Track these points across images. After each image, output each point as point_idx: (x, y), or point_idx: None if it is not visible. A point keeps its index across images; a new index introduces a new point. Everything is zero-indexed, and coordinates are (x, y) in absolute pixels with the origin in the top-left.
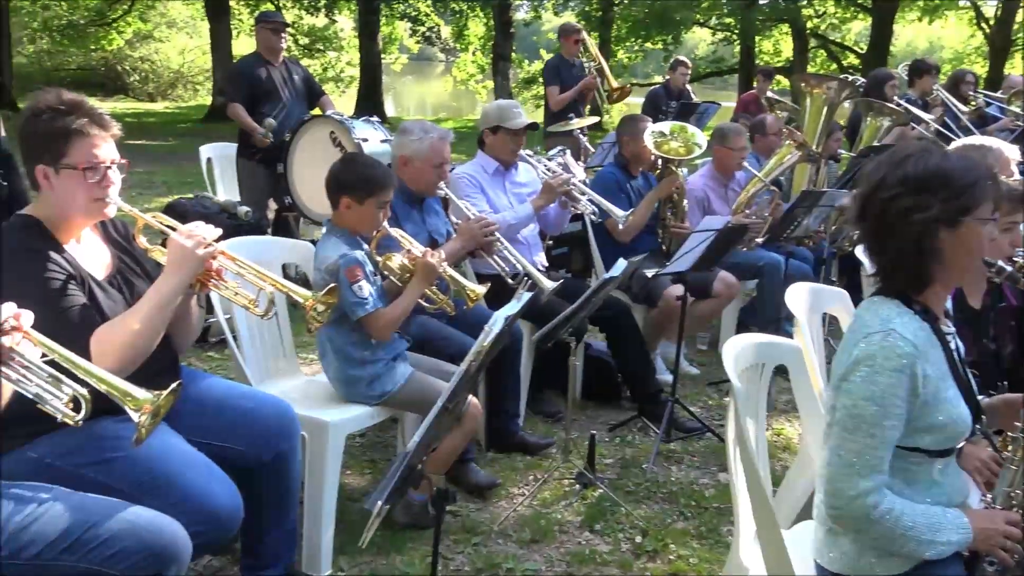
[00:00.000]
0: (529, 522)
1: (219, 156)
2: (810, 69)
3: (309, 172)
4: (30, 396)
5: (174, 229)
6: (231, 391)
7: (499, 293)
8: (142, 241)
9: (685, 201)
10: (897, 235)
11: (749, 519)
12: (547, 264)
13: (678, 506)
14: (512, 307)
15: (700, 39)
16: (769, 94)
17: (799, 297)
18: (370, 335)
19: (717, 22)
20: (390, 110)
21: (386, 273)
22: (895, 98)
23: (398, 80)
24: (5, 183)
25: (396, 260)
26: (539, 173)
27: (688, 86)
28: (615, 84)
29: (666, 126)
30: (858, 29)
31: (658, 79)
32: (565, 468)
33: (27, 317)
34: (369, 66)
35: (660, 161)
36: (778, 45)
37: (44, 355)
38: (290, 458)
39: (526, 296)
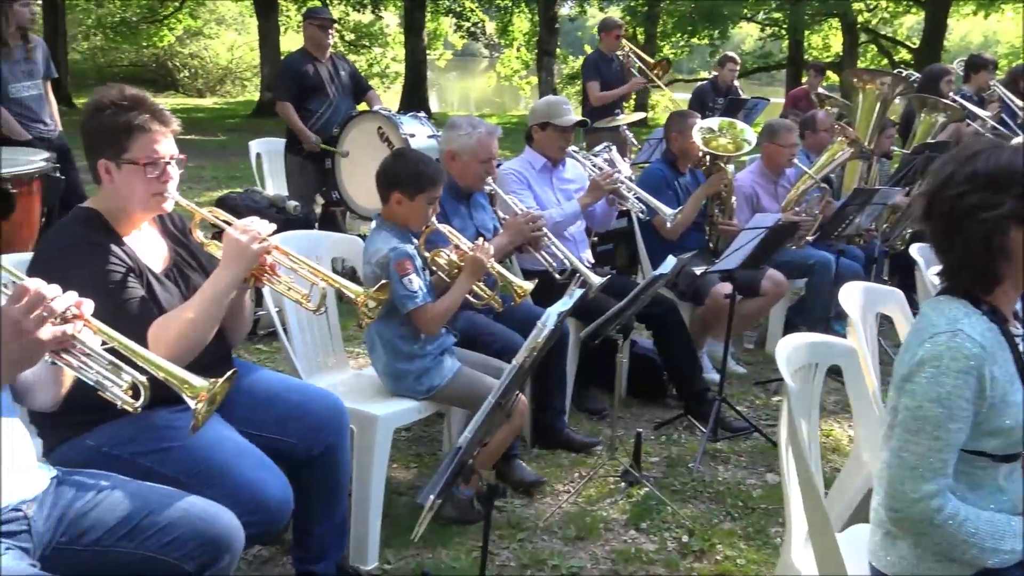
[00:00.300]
0: (574, 519)
1: (268, 151)
2: (860, 64)
3: (356, 167)
4: (91, 383)
5: (230, 224)
6: (282, 384)
7: (546, 289)
8: (198, 235)
9: (733, 198)
10: (965, 233)
11: (801, 520)
12: (593, 261)
13: (725, 506)
14: (564, 304)
15: (747, 34)
16: (819, 90)
17: (853, 296)
18: (419, 329)
19: (765, 17)
20: (434, 106)
21: (434, 268)
22: (950, 94)
23: (442, 76)
24: (63, 177)
25: (444, 256)
26: (587, 170)
27: (736, 82)
28: (652, 60)
29: (715, 122)
30: (910, 23)
31: (704, 75)
32: (610, 466)
33: (88, 305)
34: (414, 62)
35: (708, 158)
36: (827, 40)
37: (104, 343)
38: (340, 451)
39: (578, 293)
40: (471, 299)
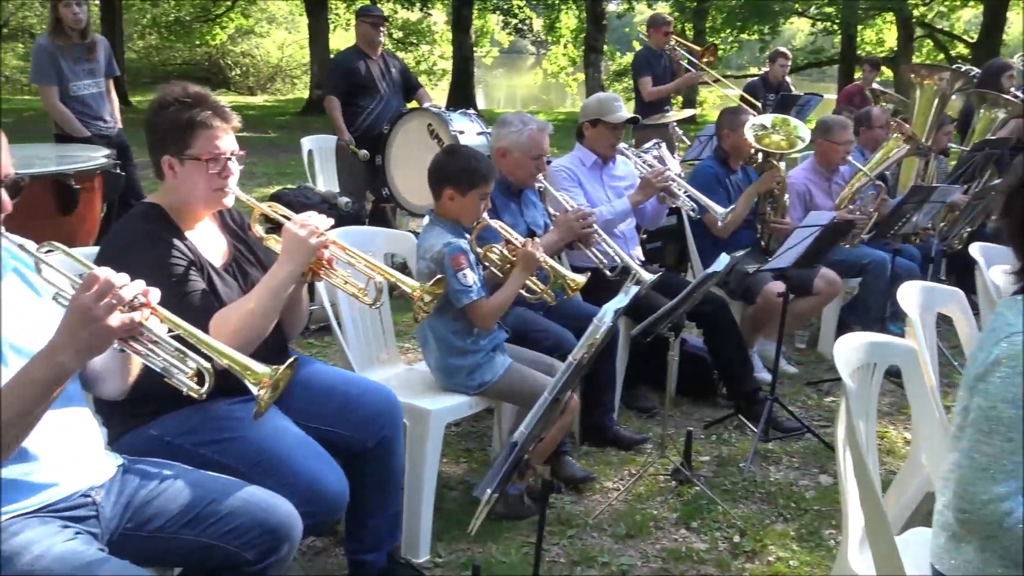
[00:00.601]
0: (624, 517)
1: (320, 148)
2: (915, 59)
3: (406, 164)
4: (158, 369)
5: (288, 219)
6: (338, 377)
7: (595, 287)
8: (258, 230)
9: (786, 196)
10: None
11: (858, 522)
12: (643, 258)
13: (777, 507)
14: (620, 300)
15: (798, 29)
16: (874, 85)
17: (912, 296)
18: (473, 324)
19: (817, 12)
20: (481, 103)
21: (486, 264)
22: (1011, 89)
23: (488, 73)
24: (123, 173)
25: (496, 251)
26: (637, 167)
27: (787, 78)
28: (699, 49)
29: (767, 119)
30: (967, 17)
31: (754, 71)
32: (660, 464)
33: (155, 294)
34: (461, 59)
35: (760, 155)
36: (881, 35)
37: (170, 330)
38: (394, 444)
39: (633, 290)
40: (524, 294)
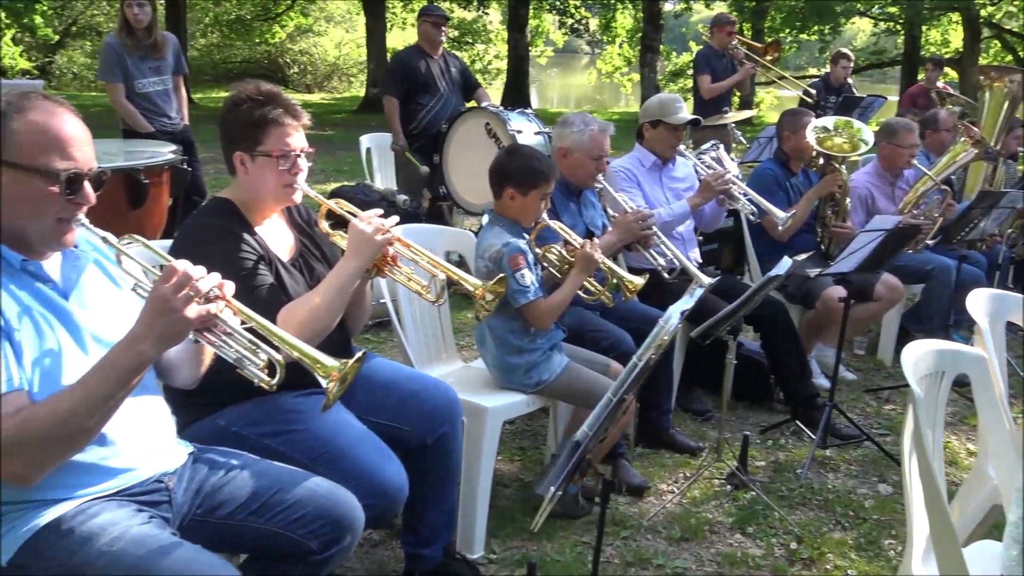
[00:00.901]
0: (679, 519)
1: (378, 146)
2: (982, 61)
3: (464, 163)
4: (230, 360)
5: (354, 215)
6: (398, 373)
7: (651, 289)
8: (324, 225)
9: (848, 200)
10: None
11: (922, 533)
12: (700, 260)
13: (835, 515)
14: (685, 302)
15: (859, 29)
16: (939, 85)
17: (981, 303)
18: (530, 324)
19: (880, 12)
20: (534, 102)
21: (545, 264)
22: None
23: (543, 73)
24: (190, 169)
25: (555, 251)
26: (697, 169)
27: (849, 79)
28: (761, 46)
29: (830, 121)
30: None
31: (813, 71)
32: (716, 468)
33: (229, 287)
34: (516, 59)
35: (821, 158)
36: (946, 35)
37: (243, 323)
38: (452, 441)
39: (699, 292)
40: (582, 294)
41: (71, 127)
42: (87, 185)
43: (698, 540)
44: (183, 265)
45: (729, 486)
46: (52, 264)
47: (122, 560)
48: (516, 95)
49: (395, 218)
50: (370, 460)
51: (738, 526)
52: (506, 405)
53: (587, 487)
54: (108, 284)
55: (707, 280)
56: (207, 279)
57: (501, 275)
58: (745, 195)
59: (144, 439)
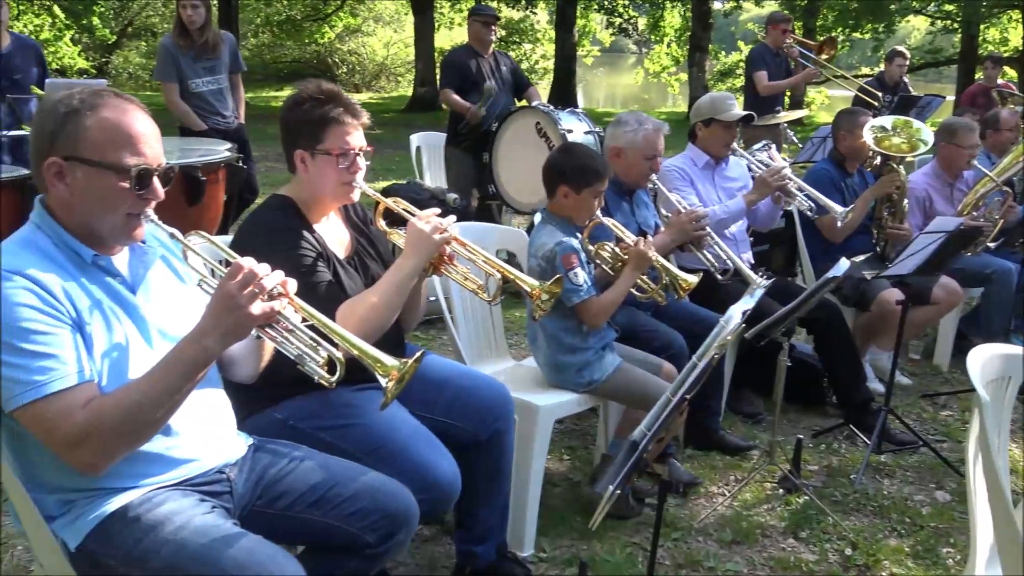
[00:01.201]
0: (730, 522)
1: (428, 145)
2: None
3: (514, 162)
4: (292, 357)
5: (412, 214)
6: (452, 369)
7: (701, 290)
8: (381, 224)
9: (905, 201)
10: None
11: (986, 541)
12: (753, 261)
13: (890, 521)
14: (747, 302)
15: (913, 27)
16: (999, 83)
17: None
18: (583, 322)
19: (936, 9)
20: (581, 102)
21: (597, 262)
22: None
23: (589, 72)
24: (245, 167)
25: (608, 249)
26: (751, 168)
27: (905, 78)
28: (814, 43)
29: (888, 120)
30: None
31: (865, 71)
32: (767, 471)
33: (292, 284)
34: (564, 58)
35: (879, 158)
36: (1006, 33)
37: (304, 320)
38: (505, 438)
39: (759, 292)
40: (635, 293)
41: (141, 124)
42: (156, 181)
43: (750, 544)
44: (249, 263)
45: (781, 490)
46: (120, 259)
47: (186, 548)
48: (563, 95)
49: (452, 217)
50: (424, 455)
51: (791, 531)
52: (558, 404)
53: (638, 487)
54: (173, 279)
55: (761, 282)
56: (271, 276)
57: (558, 275)
58: (801, 191)
59: (207, 431)
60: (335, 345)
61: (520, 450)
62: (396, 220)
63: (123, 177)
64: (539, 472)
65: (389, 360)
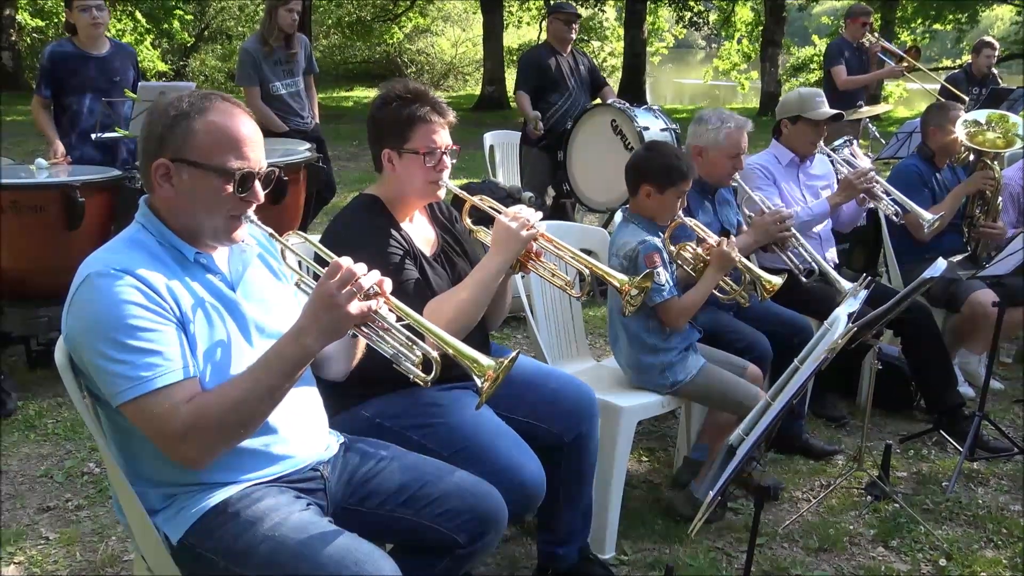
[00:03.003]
0: (816, 529)
1: (500, 143)
2: None
3: (588, 160)
4: (387, 355)
5: (498, 211)
6: (537, 370)
7: (786, 290)
8: (467, 222)
9: (999, 198)
10: None
11: None
12: (836, 261)
13: (985, 532)
14: (851, 304)
15: (996, 17)
16: None
17: None
18: (665, 323)
19: None
20: (648, 99)
21: (679, 263)
22: None
23: (656, 69)
24: (324, 166)
25: (690, 249)
26: (836, 166)
27: (994, 70)
28: (899, 52)
29: (982, 115)
30: None
31: (947, 63)
32: (853, 477)
33: (388, 283)
34: (633, 55)
35: (972, 154)
36: None
37: (399, 319)
38: (590, 440)
39: (863, 293)
40: (717, 294)
41: (246, 128)
42: (258, 184)
43: (838, 551)
44: (347, 262)
45: (869, 496)
46: (220, 257)
47: (285, 544)
48: (632, 92)
49: (539, 214)
50: (510, 456)
51: (880, 539)
52: (641, 405)
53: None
54: (270, 277)
55: (847, 285)
56: (369, 276)
57: (648, 270)
58: (888, 194)
59: (303, 428)
60: (430, 344)
61: (602, 451)
62: (483, 219)
63: (227, 180)
64: (621, 474)
65: (485, 360)
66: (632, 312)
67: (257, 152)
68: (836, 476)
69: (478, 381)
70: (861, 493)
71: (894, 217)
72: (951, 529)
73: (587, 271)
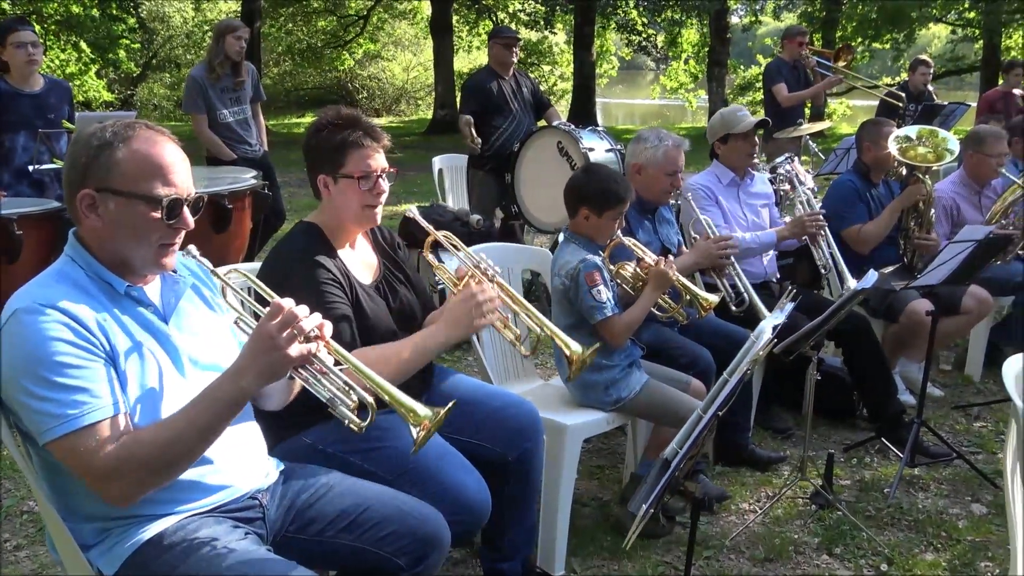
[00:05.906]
0: (762, 539)
1: (449, 166)
2: None
3: (536, 181)
4: (323, 400)
5: (458, 248)
6: (479, 390)
7: (728, 305)
8: (431, 258)
9: (932, 210)
10: None
11: None
12: (779, 275)
13: (926, 536)
14: (776, 316)
15: (933, 35)
16: (1017, 91)
17: None
18: (606, 340)
19: (957, 17)
20: (600, 121)
21: (619, 281)
22: None
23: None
24: (270, 193)
25: (629, 268)
26: (779, 185)
27: (929, 86)
28: (831, 52)
29: (913, 130)
30: None
31: (886, 80)
32: (799, 487)
33: (328, 327)
34: (583, 77)
35: (904, 168)
36: None
37: (337, 363)
38: (534, 458)
39: (789, 306)
40: (656, 312)
41: (171, 155)
42: (186, 211)
43: (783, 561)
44: (288, 303)
45: (814, 505)
46: (152, 288)
47: (222, 575)
48: (583, 114)
49: (495, 289)
50: (454, 477)
51: (825, 547)
52: (586, 423)
53: (667, 506)
54: (204, 308)
55: (769, 319)
56: (310, 319)
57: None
58: (829, 251)
59: (239, 458)
60: (366, 390)
61: (549, 470)
62: (417, 243)
63: (154, 207)
64: (568, 492)
65: (423, 410)
66: (576, 378)
67: (184, 178)
68: (782, 487)
69: (414, 431)
70: (806, 503)
71: (822, 270)
72: (893, 534)
73: (539, 330)
